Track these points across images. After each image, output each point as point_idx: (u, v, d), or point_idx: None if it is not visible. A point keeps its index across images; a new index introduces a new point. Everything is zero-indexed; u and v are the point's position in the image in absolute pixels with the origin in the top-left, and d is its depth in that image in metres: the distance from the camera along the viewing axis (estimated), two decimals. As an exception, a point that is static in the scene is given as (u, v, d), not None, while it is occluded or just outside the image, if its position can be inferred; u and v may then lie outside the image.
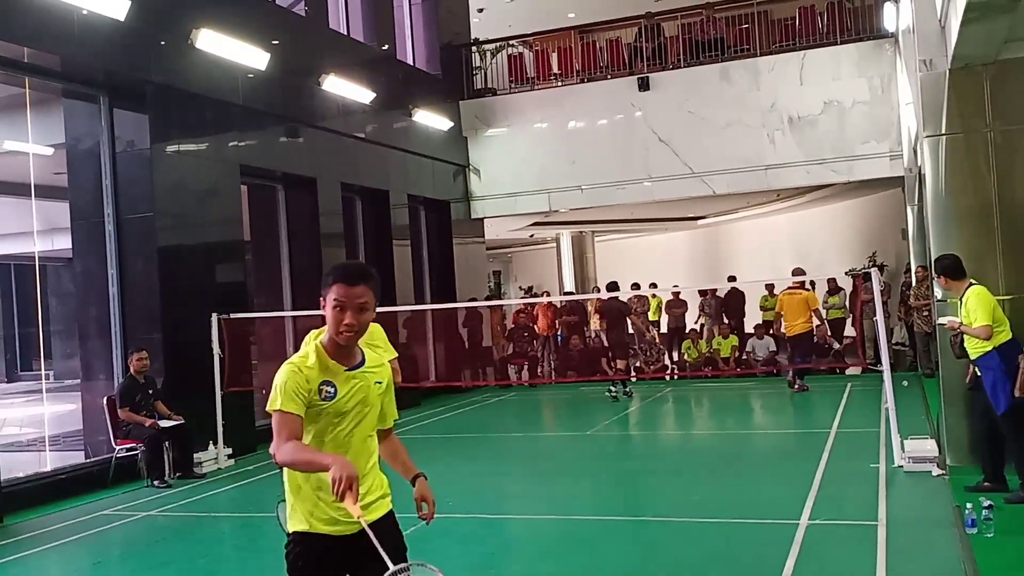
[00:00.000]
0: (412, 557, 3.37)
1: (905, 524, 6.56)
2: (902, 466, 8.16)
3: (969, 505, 6.22)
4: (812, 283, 14.70)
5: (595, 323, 18.45)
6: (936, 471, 7.91)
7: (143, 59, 10.46)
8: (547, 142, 17.81)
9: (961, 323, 6.99)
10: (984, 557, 5.60)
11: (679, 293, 18.92)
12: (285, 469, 3.39)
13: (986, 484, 7.08)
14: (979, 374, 7.03)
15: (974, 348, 6.98)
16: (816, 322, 13.92)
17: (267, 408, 3.29)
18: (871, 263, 17.96)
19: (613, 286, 14.30)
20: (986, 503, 6.16)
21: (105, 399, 9.96)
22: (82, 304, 10.93)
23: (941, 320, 7.62)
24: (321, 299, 3.35)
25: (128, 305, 10.54)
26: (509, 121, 18.17)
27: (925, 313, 14.01)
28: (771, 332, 17.45)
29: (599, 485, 8.97)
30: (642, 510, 7.93)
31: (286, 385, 3.24)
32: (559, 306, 18.64)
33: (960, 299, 7.07)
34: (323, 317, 3.30)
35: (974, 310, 6.84)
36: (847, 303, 16.68)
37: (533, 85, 18.62)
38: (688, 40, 17.30)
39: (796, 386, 14.04)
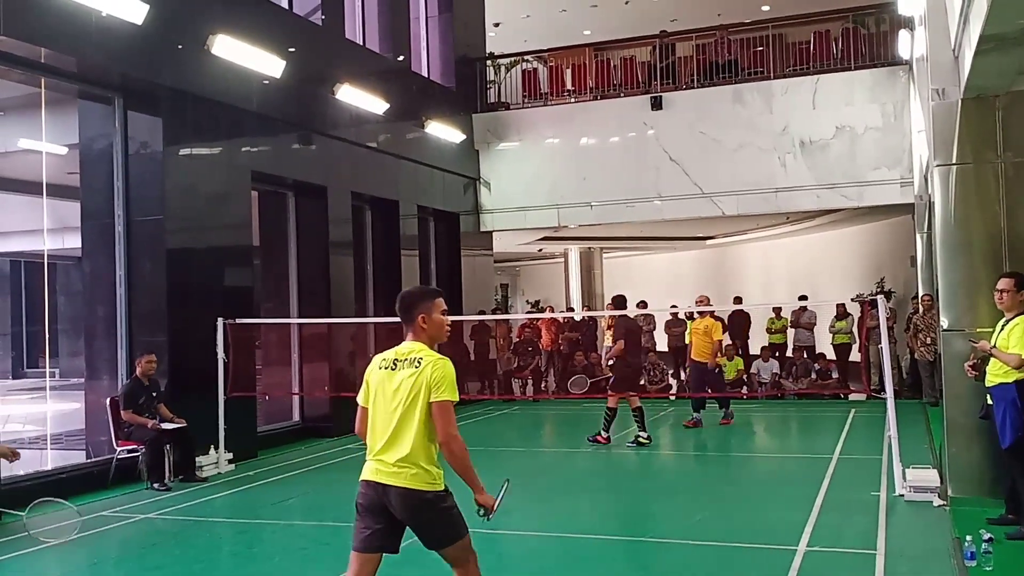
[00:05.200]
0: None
1: (904, 554, 6.51)
2: (903, 495, 8.12)
3: (969, 537, 6.18)
4: (713, 315, 14.16)
5: (608, 340, 18.16)
6: (937, 501, 7.87)
7: (159, 63, 10.52)
8: (558, 158, 17.85)
9: (994, 346, 6.85)
10: (982, 590, 5.57)
11: (677, 313, 18.87)
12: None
13: (1009, 516, 6.98)
14: (991, 403, 6.96)
15: (996, 376, 6.84)
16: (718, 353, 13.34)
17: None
18: (879, 289, 17.92)
19: (622, 301, 13.79)
20: (986, 536, 6.12)
21: (108, 399, 9.98)
22: (89, 304, 10.98)
23: (975, 344, 7.27)
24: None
25: (135, 306, 10.59)
26: (521, 136, 18.23)
27: (928, 341, 13.97)
28: (776, 355, 17.44)
29: (598, 503, 8.94)
30: (640, 530, 7.89)
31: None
32: (562, 321, 18.63)
33: (1004, 323, 6.94)
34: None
35: (1018, 337, 6.69)
36: (854, 329, 16.64)
37: (546, 101, 18.67)
38: (702, 61, 17.34)
39: (691, 419, 13.30)
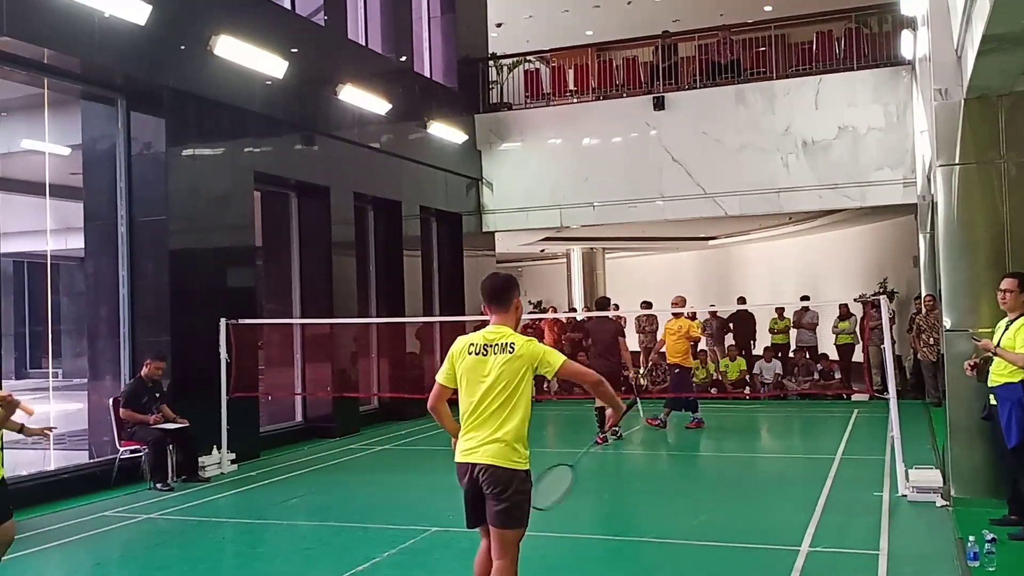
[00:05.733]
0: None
1: (907, 555, 6.51)
2: (906, 496, 8.12)
3: (972, 538, 6.18)
4: (694, 314, 14.06)
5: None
6: (940, 502, 7.86)
7: (162, 64, 10.54)
8: (561, 158, 17.85)
9: (998, 346, 6.81)
10: (985, 591, 5.57)
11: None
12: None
13: (1012, 517, 6.97)
14: (994, 403, 6.94)
15: (1000, 375, 6.83)
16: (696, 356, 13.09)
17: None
18: (882, 289, 17.90)
19: (603, 303, 13.67)
20: (989, 536, 6.12)
21: (111, 400, 9.99)
22: (92, 304, 10.99)
23: (978, 343, 7.23)
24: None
25: (138, 307, 10.60)
26: (523, 136, 18.22)
27: (931, 342, 13.95)
28: (779, 355, 17.43)
29: (599, 504, 8.94)
30: (642, 531, 7.89)
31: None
32: (565, 322, 18.61)
33: (1008, 322, 6.92)
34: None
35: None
36: (857, 329, 16.63)
37: (549, 101, 18.67)
38: (704, 61, 17.34)
39: (659, 419, 13.17)
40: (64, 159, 12.23)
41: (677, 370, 13.21)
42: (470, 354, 4.57)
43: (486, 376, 4.48)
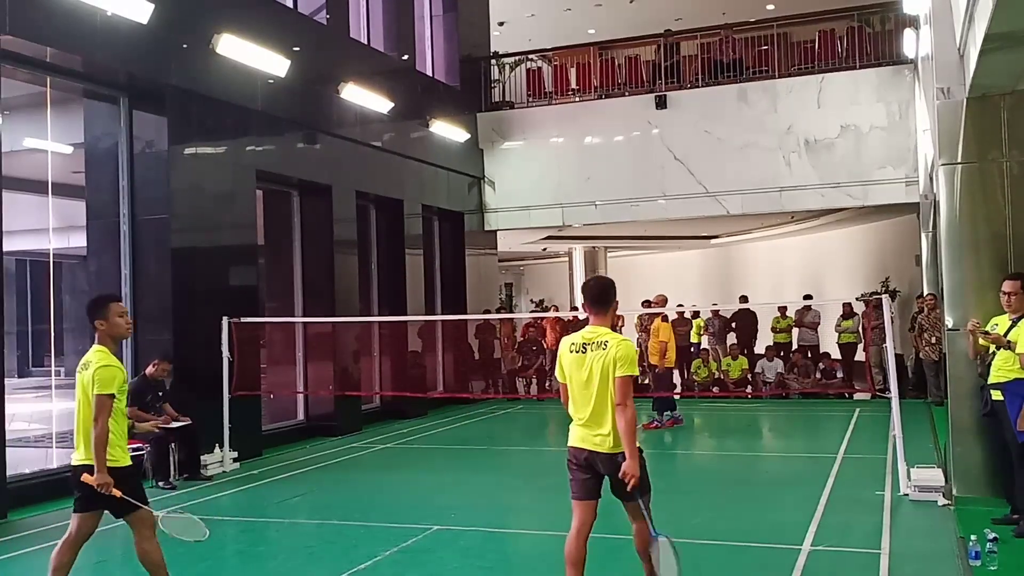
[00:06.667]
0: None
1: (908, 554, 6.51)
2: (908, 495, 8.11)
3: (973, 537, 6.17)
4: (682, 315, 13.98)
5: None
6: (942, 501, 7.86)
7: (164, 62, 10.55)
8: (563, 157, 17.85)
9: (1009, 341, 6.75)
10: (987, 590, 5.56)
11: (683, 312, 18.84)
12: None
13: (1015, 516, 6.95)
14: (996, 399, 6.91)
15: (1007, 371, 6.79)
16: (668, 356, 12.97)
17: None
18: (884, 288, 17.89)
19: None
20: (990, 535, 6.11)
21: (113, 398, 9.98)
22: (95, 303, 10.97)
23: (987, 331, 7.06)
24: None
25: (140, 305, 10.60)
26: (526, 135, 18.23)
27: (933, 340, 13.94)
28: (781, 354, 17.42)
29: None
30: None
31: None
32: (567, 321, 18.60)
33: (1013, 320, 6.87)
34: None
35: None
36: (860, 328, 16.61)
37: (551, 100, 18.67)
38: (707, 60, 17.33)
39: (655, 422, 13.13)
40: (66, 157, 12.23)
41: (656, 370, 13.23)
42: (571, 352, 5.02)
43: (586, 372, 4.92)
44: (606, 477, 5.00)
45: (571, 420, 5.09)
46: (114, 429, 5.36)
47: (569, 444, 5.05)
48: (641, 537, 5.07)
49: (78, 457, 5.36)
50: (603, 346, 4.91)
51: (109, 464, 5.25)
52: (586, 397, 4.93)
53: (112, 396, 5.29)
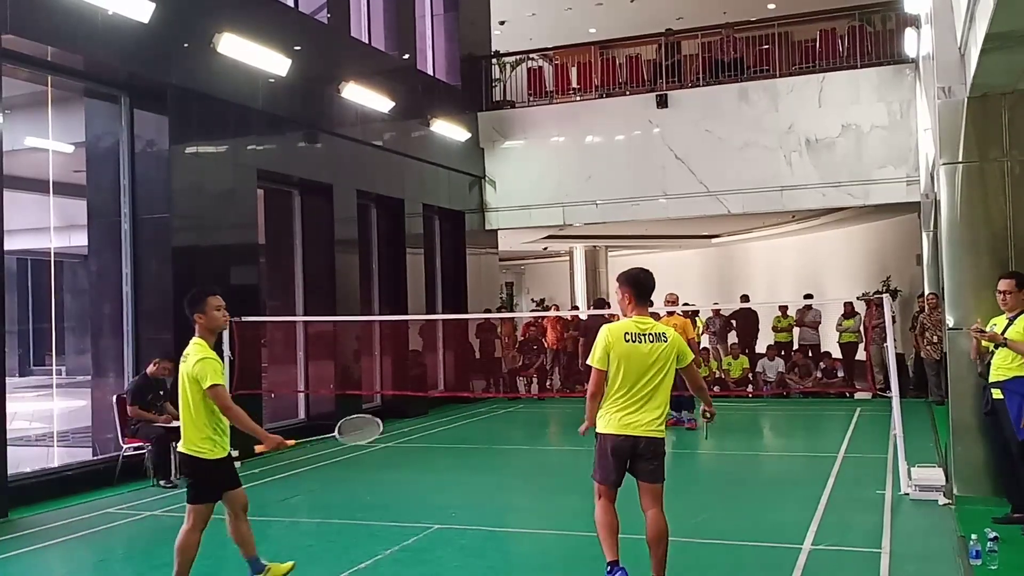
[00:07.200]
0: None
1: (909, 553, 6.50)
2: (908, 494, 8.11)
3: (974, 536, 6.17)
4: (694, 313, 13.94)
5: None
6: (943, 500, 7.85)
7: (165, 61, 10.55)
8: (563, 156, 17.85)
9: (1008, 339, 6.77)
10: (987, 589, 5.56)
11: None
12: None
13: (1016, 516, 6.95)
14: (996, 397, 6.91)
15: (1006, 369, 6.80)
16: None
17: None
18: (885, 288, 17.89)
19: (600, 304, 13.68)
20: (991, 535, 6.11)
21: (115, 397, 10.00)
22: (96, 301, 10.99)
23: (983, 334, 7.06)
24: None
25: (141, 304, 10.61)
26: (526, 134, 18.23)
27: (934, 340, 13.93)
28: (782, 353, 17.41)
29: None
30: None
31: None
32: (568, 320, 18.63)
33: (1013, 317, 6.88)
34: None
35: None
36: (861, 327, 16.61)
37: (552, 99, 18.67)
38: (708, 59, 17.33)
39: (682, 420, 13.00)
40: (67, 156, 12.24)
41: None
42: (627, 341, 5.16)
43: (645, 361, 5.13)
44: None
45: (579, 415, 5.15)
46: (209, 421, 5.75)
47: (609, 431, 5.20)
48: (655, 525, 5.26)
49: (180, 446, 5.81)
50: (663, 338, 5.17)
51: (206, 456, 5.77)
52: (643, 385, 5.12)
53: (222, 385, 5.67)
